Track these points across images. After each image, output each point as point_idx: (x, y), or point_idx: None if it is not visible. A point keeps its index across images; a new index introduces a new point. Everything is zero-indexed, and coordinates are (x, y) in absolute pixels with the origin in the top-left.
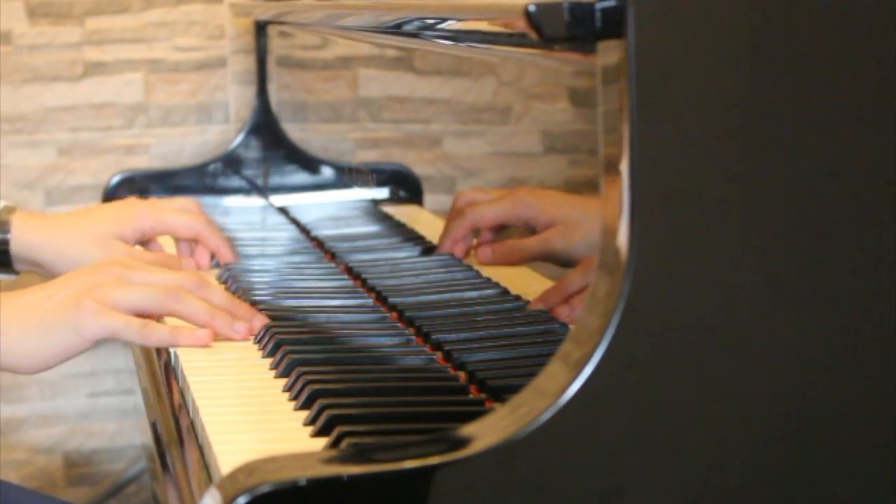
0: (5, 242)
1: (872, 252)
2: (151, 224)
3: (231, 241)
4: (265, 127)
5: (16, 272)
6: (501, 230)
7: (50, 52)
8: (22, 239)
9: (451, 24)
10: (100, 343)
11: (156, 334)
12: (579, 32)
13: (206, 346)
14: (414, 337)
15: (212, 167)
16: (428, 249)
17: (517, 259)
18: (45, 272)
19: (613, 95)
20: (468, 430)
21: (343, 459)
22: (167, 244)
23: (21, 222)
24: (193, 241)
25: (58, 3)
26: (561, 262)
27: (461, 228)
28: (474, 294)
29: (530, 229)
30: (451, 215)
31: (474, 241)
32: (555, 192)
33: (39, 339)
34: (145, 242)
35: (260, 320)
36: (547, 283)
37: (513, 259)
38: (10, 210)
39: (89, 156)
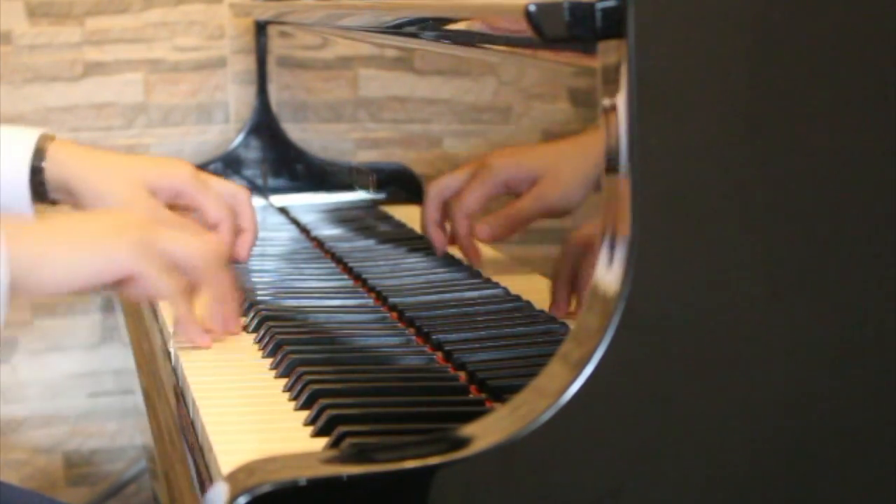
0: (40, 171)
1: (872, 252)
2: (193, 187)
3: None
4: (265, 127)
5: (52, 202)
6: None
7: (50, 52)
8: (58, 163)
9: (451, 24)
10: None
11: (180, 306)
12: (579, 32)
13: (204, 348)
14: (414, 337)
15: (212, 167)
16: (428, 251)
17: (517, 225)
18: (76, 204)
19: (613, 95)
20: (468, 430)
21: (343, 459)
22: None
23: (58, 149)
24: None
25: (58, 3)
26: (559, 214)
27: (430, 206)
28: (474, 294)
29: (512, 193)
30: (426, 202)
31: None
32: (526, 147)
33: (67, 256)
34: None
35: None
36: (548, 283)
37: (513, 227)
38: (48, 138)
39: None
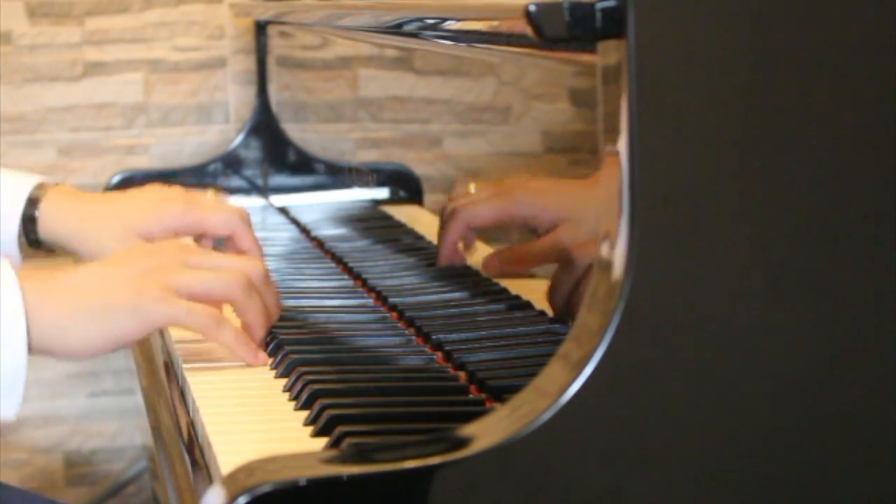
0: (34, 220)
1: (872, 252)
2: (187, 224)
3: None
4: (265, 127)
5: (48, 249)
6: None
7: (50, 52)
8: (50, 214)
9: (451, 24)
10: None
11: (224, 332)
12: (579, 32)
13: (257, 365)
14: (414, 337)
15: (212, 167)
16: (428, 251)
17: (527, 265)
18: (70, 253)
19: (613, 95)
20: (468, 430)
21: (343, 459)
22: None
23: (51, 200)
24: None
25: (58, 3)
26: (571, 261)
27: (454, 231)
28: (474, 294)
29: (530, 229)
30: (443, 221)
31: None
32: (553, 186)
33: (94, 323)
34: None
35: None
36: (548, 284)
37: (522, 266)
38: (44, 187)
39: (89, 156)
